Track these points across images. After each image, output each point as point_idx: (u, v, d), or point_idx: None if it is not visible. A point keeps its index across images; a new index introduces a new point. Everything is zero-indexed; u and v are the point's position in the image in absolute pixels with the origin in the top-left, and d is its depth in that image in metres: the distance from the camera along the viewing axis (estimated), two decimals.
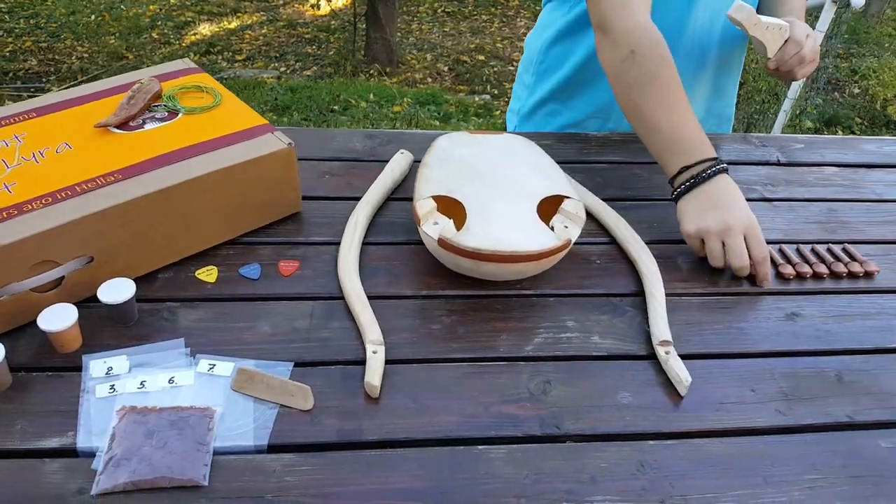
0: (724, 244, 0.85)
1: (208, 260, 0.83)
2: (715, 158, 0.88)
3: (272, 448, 0.65)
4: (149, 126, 0.86)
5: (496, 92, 5.59)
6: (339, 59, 5.71)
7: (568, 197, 0.83)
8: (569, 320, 0.80)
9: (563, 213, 0.81)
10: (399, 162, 0.97)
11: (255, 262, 0.84)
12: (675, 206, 0.90)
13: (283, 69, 5.69)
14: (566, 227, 0.79)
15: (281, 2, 6.91)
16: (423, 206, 0.79)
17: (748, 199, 1.01)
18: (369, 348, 0.72)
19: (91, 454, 0.62)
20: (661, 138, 0.91)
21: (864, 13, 5.90)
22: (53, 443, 0.62)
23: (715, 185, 0.87)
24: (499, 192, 0.82)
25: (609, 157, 1.09)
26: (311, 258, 0.85)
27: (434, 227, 0.77)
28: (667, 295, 0.84)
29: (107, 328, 0.74)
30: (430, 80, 5.38)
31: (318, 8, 6.70)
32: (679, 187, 0.89)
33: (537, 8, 7.13)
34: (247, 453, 0.64)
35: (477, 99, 5.01)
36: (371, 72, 5.48)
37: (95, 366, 0.70)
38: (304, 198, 0.94)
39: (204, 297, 0.79)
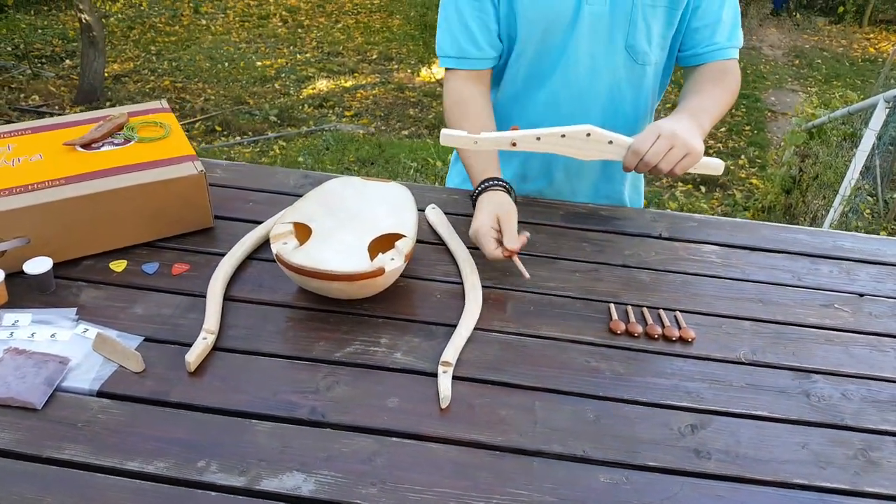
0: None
1: (124, 255, 1.06)
2: (486, 179, 1.14)
3: (100, 394, 0.84)
4: (105, 148, 1.10)
5: None
6: (436, 122, 6.06)
7: (404, 236, 0.98)
8: (383, 338, 0.94)
9: (395, 248, 0.97)
10: None
11: (157, 261, 1.05)
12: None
13: (383, 128, 6.12)
14: (392, 259, 0.95)
15: (395, 66, 7.44)
16: (279, 228, 0.97)
17: (611, 264, 1.12)
18: (202, 334, 0.90)
19: None
20: (466, 167, 1.22)
21: None
22: None
23: (480, 199, 1.12)
24: (348, 226, 0.99)
25: None
26: (203, 265, 1.05)
27: (283, 245, 0.95)
28: (483, 330, 0.96)
29: (30, 294, 0.97)
30: None
31: (418, 74, 7.16)
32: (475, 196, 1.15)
33: None
34: (81, 394, 0.83)
35: None
36: None
37: (7, 318, 0.93)
38: (222, 218, 1.15)
39: (107, 281, 1.01)
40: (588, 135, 1.09)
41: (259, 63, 6.90)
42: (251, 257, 1.07)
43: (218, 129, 5.23)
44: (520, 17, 1.19)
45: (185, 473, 0.75)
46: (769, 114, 6.89)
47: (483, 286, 1.04)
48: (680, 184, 5.73)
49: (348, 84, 6.92)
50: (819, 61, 8.34)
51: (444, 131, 1.07)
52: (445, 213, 1.20)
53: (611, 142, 1.09)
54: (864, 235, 1.28)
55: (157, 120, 1.19)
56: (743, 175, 5.94)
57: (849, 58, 8.65)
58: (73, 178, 1.02)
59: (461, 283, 1.05)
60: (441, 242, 1.15)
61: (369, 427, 0.82)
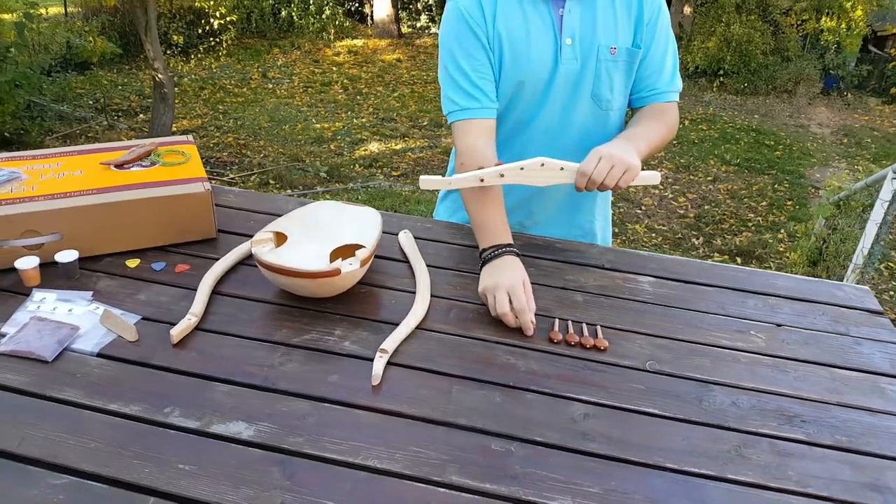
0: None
1: (138, 254, 1.27)
2: (506, 244, 1.22)
3: (99, 355, 1.03)
4: (134, 169, 1.34)
5: (615, 230, 5.82)
6: None
7: (363, 247, 1.17)
8: (338, 329, 1.11)
9: (355, 255, 1.15)
10: None
11: (165, 261, 1.26)
12: (477, 275, 1.24)
13: None
14: (350, 264, 1.13)
15: (445, 132, 7.78)
16: (260, 235, 1.17)
17: (551, 286, 1.27)
18: (187, 316, 1.09)
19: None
20: (474, 224, 1.28)
21: None
22: None
23: (501, 260, 1.21)
24: (317, 237, 1.18)
25: (468, 242, 1.40)
26: (202, 266, 1.25)
27: (261, 248, 1.15)
28: (425, 330, 1.13)
29: (58, 279, 1.19)
30: None
31: None
32: (482, 260, 1.23)
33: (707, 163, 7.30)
34: (84, 354, 1.03)
35: None
36: None
37: (37, 295, 1.15)
38: (225, 231, 1.36)
39: (121, 274, 1.22)
40: (542, 164, 1.26)
41: (318, 125, 7.36)
42: (244, 263, 1.27)
43: (271, 182, 5.61)
44: (504, 74, 1.38)
45: (152, 415, 0.93)
46: (812, 190, 6.89)
47: (435, 296, 1.21)
48: (716, 255, 5.77)
49: (398, 147, 7.29)
50: (869, 140, 8.32)
51: (422, 178, 1.25)
52: (416, 238, 1.38)
53: (562, 168, 1.26)
54: (797, 276, 1.40)
55: (180, 149, 1.42)
56: (781, 248, 5.93)
57: None
58: (103, 190, 1.25)
59: (416, 293, 1.22)
60: (407, 261, 1.32)
61: (309, 394, 0.98)
